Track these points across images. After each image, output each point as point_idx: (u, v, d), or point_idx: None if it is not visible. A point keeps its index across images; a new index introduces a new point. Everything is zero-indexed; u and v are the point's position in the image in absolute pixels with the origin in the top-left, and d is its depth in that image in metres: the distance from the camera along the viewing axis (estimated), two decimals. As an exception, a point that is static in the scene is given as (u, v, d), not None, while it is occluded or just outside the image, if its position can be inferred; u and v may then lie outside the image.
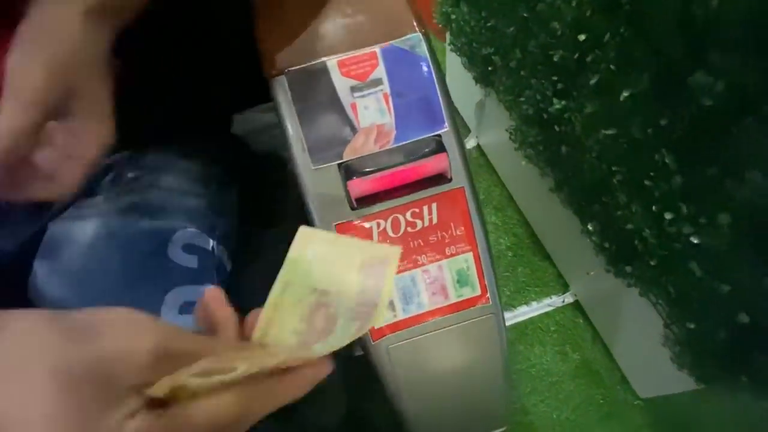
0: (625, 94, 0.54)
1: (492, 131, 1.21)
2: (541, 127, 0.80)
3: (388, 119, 0.34)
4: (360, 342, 0.39)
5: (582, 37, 0.59)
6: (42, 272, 0.40)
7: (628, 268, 0.67)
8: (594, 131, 0.63)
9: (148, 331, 0.18)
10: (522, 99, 0.84)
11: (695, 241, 0.50)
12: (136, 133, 0.35)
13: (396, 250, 0.23)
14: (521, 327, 0.98)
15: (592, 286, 0.93)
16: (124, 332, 0.18)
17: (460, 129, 0.37)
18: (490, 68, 0.97)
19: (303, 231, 0.23)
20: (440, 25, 1.19)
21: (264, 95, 0.37)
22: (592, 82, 0.59)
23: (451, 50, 1.18)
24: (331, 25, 0.35)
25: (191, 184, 0.45)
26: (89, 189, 0.42)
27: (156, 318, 0.19)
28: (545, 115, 0.77)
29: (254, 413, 0.20)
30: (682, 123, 0.47)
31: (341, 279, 0.23)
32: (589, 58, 0.60)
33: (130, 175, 0.43)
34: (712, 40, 0.42)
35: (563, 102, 0.70)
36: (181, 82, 0.44)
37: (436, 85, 0.34)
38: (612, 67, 0.55)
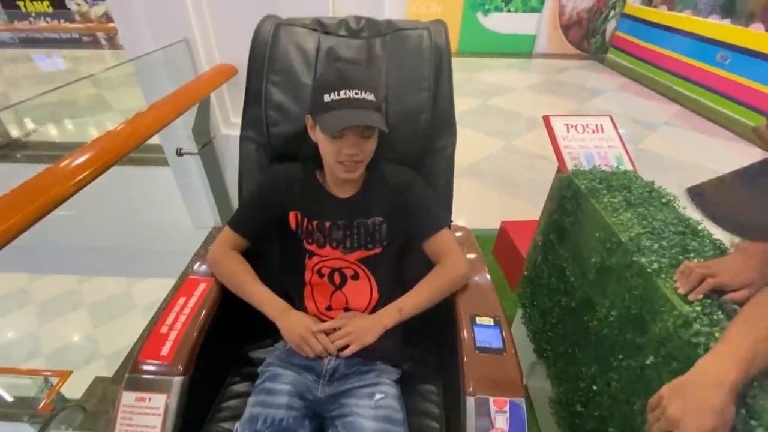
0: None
1: (538, 385, 1.74)
2: (570, 412, 1.35)
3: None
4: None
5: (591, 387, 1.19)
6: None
7: None
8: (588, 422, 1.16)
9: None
10: (561, 389, 1.41)
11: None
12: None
13: None
14: None
15: None
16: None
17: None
18: (544, 354, 1.57)
19: None
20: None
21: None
22: (596, 413, 1.16)
23: (522, 322, 1.83)
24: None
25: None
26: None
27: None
28: (577, 408, 1.32)
29: None
30: None
31: None
32: (590, 394, 1.18)
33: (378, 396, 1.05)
34: None
35: (584, 408, 1.26)
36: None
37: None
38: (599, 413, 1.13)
